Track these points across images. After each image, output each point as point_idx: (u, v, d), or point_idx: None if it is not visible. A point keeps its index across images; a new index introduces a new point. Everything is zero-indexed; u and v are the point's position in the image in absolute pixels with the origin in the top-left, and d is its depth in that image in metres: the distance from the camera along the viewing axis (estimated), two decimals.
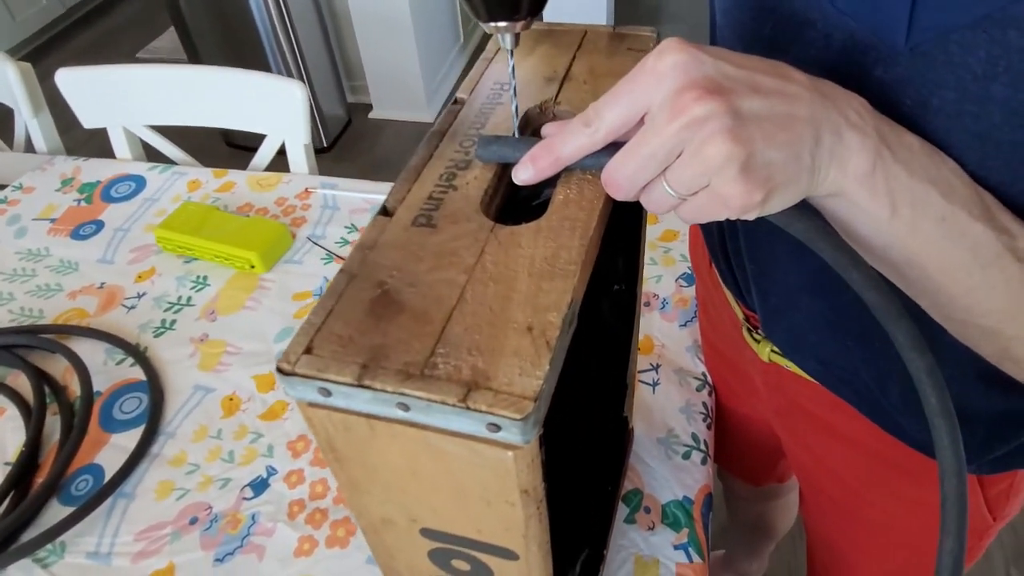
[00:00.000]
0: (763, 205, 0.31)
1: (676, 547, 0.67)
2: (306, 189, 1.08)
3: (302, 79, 2.25)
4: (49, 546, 0.70)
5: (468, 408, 0.25)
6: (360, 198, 1.07)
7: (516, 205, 0.37)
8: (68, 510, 0.72)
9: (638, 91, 0.31)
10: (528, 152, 0.34)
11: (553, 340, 0.27)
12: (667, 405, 0.78)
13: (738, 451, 0.89)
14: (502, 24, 0.33)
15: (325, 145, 2.43)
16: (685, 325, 0.86)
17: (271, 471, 0.76)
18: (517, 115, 0.36)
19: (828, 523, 0.73)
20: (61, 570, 0.69)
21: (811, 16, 0.38)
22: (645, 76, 0.31)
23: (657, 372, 0.81)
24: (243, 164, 1.20)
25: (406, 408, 0.26)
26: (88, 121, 1.18)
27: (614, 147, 0.33)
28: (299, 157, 1.14)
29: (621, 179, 0.32)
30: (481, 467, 0.27)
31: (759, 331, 0.61)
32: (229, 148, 2.32)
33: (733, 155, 0.29)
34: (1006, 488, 0.56)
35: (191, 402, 0.83)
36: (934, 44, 0.33)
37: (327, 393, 0.27)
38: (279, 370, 0.27)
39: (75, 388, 0.84)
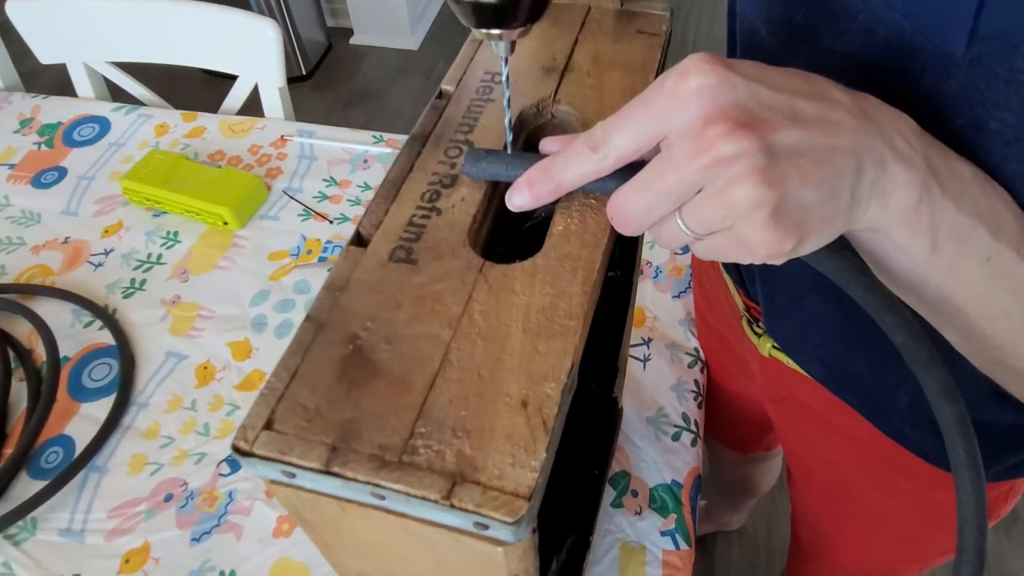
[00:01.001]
0: (793, 252, 0.27)
1: (663, 533, 0.66)
2: (282, 136, 1.02)
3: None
4: (20, 522, 0.68)
5: (452, 507, 0.22)
6: (339, 148, 1.01)
7: (506, 226, 0.33)
8: (38, 484, 0.70)
9: (655, 115, 0.26)
10: (524, 175, 0.29)
11: (551, 419, 0.24)
12: (658, 382, 0.76)
13: (726, 422, 0.87)
14: (495, 32, 0.28)
15: (304, 73, 2.32)
16: (679, 296, 0.83)
17: None
18: (511, 129, 0.31)
19: (816, 506, 0.72)
20: (33, 548, 0.67)
21: (852, 6, 0.33)
22: (664, 99, 0.26)
23: (648, 347, 0.78)
24: (218, 92, 1.12)
25: (381, 497, 0.23)
26: (45, 56, 1.09)
27: (624, 170, 0.29)
28: (274, 101, 1.07)
29: (630, 215, 0.28)
30: (467, 556, 0.25)
31: (760, 324, 0.57)
32: (203, 74, 2.20)
33: (763, 200, 0.25)
34: (1005, 491, 0.55)
35: (163, 370, 0.79)
36: (998, 56, 0.28)
37: (291, 475, 0.24)
38: (235, 448, 0.24)
39: (41, 352, 0.80)
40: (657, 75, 0.36)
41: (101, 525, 0.68)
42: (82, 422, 0.75)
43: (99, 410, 0.76)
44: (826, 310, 0.47)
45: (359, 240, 0.29)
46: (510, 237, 0.32)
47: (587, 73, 0.35)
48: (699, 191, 0.26)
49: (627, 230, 0.29)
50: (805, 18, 0.35)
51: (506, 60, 0.29)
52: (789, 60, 0.38)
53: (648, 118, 0.26)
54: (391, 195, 0.31)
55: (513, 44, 0.29)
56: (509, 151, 0.31)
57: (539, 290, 0.27)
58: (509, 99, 0.30)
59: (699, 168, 0.25)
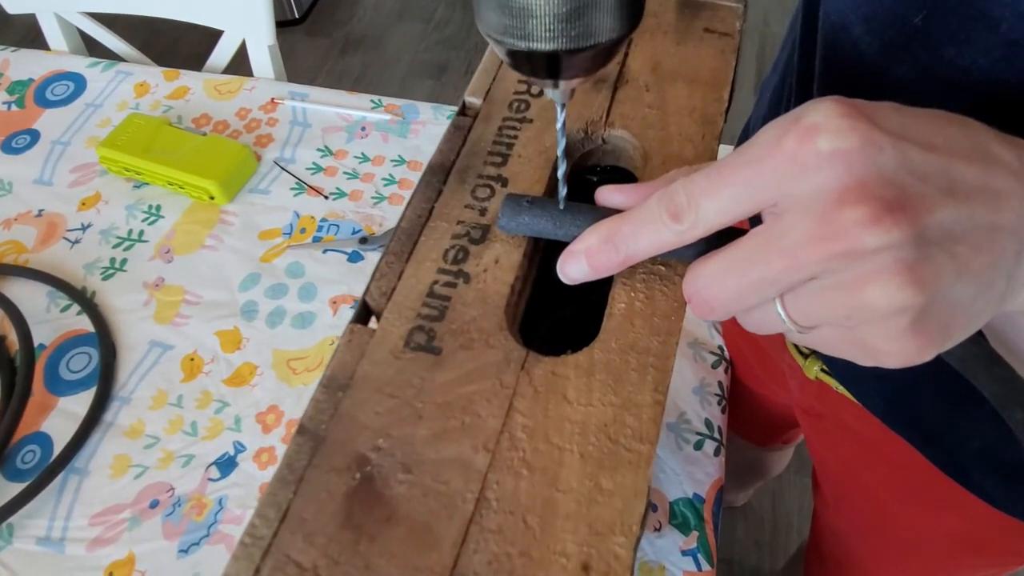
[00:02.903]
0: (930, 358, 0.21)
1: (684, 553, 0.62)
2: (272, 99, 0.94)
3: None
4: None
5: None
6: (334, 113, 0.93)
7: (547, 286, 0.26)
8: (13, 486, 0.65)
9: (763, 181, 0.20)
10: (581, 239, 0.23)
11: None
12: (680, 384, 0.70)
13: (747, 419, 0.83)
14: (547, 80, 0.21)
15: (296, 16, 2.19)
16: None
17: (239, 448, 0.68)
18: (565, 182, 0.24)
19: (846, 523, 0.68)
20: (10, 558, 0.62)
21: (994, 12, 0.26)
22: (779, 161, 0.19)
23: None
24: (205, 35, 1.03)
25: None
26: (12, 5, 1.00)
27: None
28: (263, 59, 0.98)
29: (715, 300, 0.22)
30: None
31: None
32: None
33: (908, 305, 0.19)
34: None
35: (147, 361, 0.73)
36: None
37: None
38: None
39: (15, 340, 0.74)
40: (732, 88, 0.29)
41: (82, 533, 0.64)
42: (60, 418, 0.70)
43: (78, 405, 0.70)
44: None
45: (366, 313, 0.23)
46: (553, 301, 0.26)
47: (646, 86, 0.29)
48: (812, 278, 0.20)
49: (709, 316, 0.22)
50: (925, 20, 0.28)
51: (563, 106, 0.22)
52: (891, 68, 0.31)
53: (754, 184, 0.20)
54: (406, 251, 0.24)
55: (573, 91, 0.22)
56: (561, 206, 0.24)
57: (599, 398, 0.21)
58: (565, 149, 0.23)
59: (822, 259, 0.19)
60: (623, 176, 0.28)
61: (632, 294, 0.23)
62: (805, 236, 0.19)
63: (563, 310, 0.25)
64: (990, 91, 0.27)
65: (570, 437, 0.20)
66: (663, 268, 0.24)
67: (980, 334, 0.25)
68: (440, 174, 0.27)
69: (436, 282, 0.24)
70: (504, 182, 0.26)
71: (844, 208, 0.18)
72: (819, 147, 0.19)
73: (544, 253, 0.25)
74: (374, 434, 0.21)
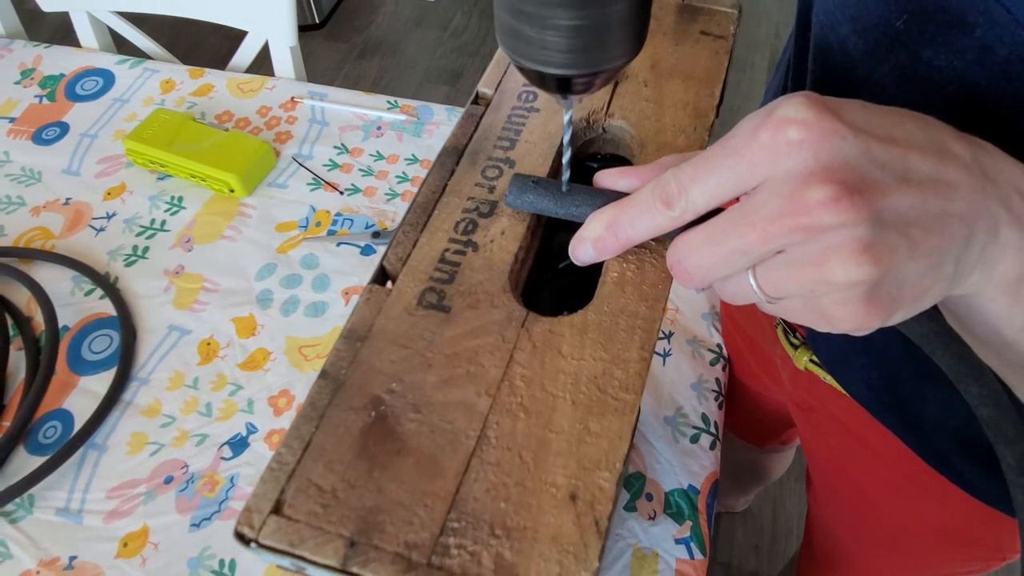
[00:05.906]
0: (876, 327, 0.23)
1: (677, 541, 0.64)
2: (292, 98, 0.97)
3: None
4: (17, 500, 0.66)
5: None
6: (351, 113, 0.96)
7: (548, 257, 0.29)
8: (35, 459, 0.68)
9: (743, 168, 0.22)
10: (588, 227, 0.25)
11: (604, 519, 0.20)
12: (677, 380, 0.73)
13: (744, 418, 0.85)
14: (556, 94, 0.23)
15: (317, 21, 2.23)
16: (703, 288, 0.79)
17: (251, 429, 0.71)
18: (568, 166, 0.27)
19: (835, 516, 0.69)
20: (30, 527, 0.65)
21: (969, 18, 0.28)
22: (756, 151, 0.22)
23: (669, 341, 0.75)
24: (228, 36, 1.06)
25: None
26: (46, 4, 1.04)
27: None
28: (284, 59, 1.01)
29: (693, 269, 0.24)
30: None
31: (797, 335, 0.54)
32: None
33: (863, 279, 0.21)
34: None
35: (165, 344, 0.76)
36: None
37: (301, 568, 0.21)
38: (238, 535, 0.21)
39: (40, 321, 0.77)
40: (724, 86, 0.32)
41: (99, 506, 0.66)
42: (81, 396, 0.73)
43: (99, 384, 0.73)
44: (879, 334, 0.44)
45: (383, 276, 0.26)
46: (552, 272, 0.28)
47: (644, 82, 0.31)
48: (780, 251, 0.23)
49: (688, 283, 0.25)
50: (906, 24, 0.31)
51: (570, 116, 0.25)
52: (875, 67, 0.34)
53: (736, 171, 0.22)
54: (420, 222, 0.27)
55: (580, 99, 0.24)
56: (564, 188, 0.26)
57: (590, 353, 0.24)
58: (571, 137, 0.26)
59: (787, 231, 0.21)
60: (621, 163, 0.31)
61: (624, 265, 0.26)
62: (774, 212, 0.22)
63: (563, 280, 0.28)
64: (962, 91, 0.30)
65: (563, 386, 0.23)
66: (653, 242, 0.27)
67: (938, 312, 0.27)
68: (454, 155, 0.29)
69: (447, 250, 0.26)
70: (512, 164, 0.29)
71: (809, 189, 0.21)
72: (790, 136, 0.21)
73: (546, 228, 0.27)
74: (388, 379, 0.23)
